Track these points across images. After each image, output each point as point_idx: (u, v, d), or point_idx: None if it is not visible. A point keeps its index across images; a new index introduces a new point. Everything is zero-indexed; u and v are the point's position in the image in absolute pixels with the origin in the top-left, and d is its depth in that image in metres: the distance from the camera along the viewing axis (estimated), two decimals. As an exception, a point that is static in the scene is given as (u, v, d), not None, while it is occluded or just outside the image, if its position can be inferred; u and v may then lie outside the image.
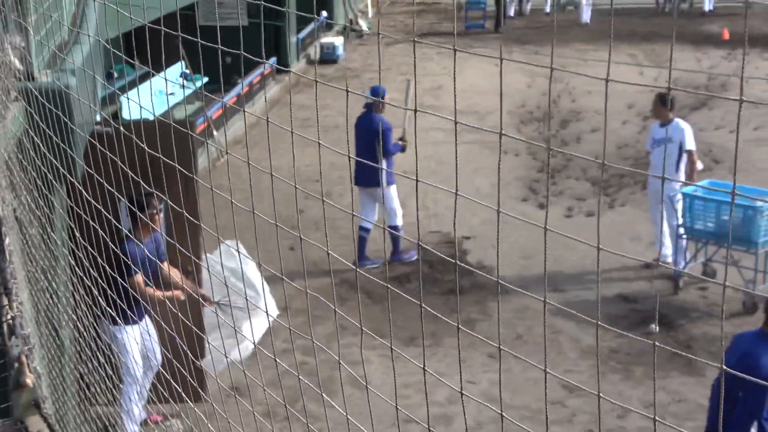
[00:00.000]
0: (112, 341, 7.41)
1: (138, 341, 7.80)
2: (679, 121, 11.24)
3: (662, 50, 23.35)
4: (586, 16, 28.04)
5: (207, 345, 7.40)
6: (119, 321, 7.33)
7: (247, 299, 6.50)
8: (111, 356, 6.94)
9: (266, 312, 6.88)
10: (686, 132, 11.06)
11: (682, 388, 8.81)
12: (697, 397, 8.56)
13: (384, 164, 11.20)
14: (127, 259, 6.25)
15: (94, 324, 6.57)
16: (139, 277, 7.46)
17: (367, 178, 11.30)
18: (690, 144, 11.02)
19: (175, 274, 8.02)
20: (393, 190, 11.54)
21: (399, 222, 11.53)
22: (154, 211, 7.48)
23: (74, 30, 7.06)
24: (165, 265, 7.98)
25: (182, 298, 7.67)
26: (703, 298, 10.59)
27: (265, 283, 8.37)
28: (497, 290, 10.92)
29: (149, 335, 7.73)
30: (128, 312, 7.20)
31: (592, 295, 10.52)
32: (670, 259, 11.22)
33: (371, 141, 11.11)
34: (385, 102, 11.66)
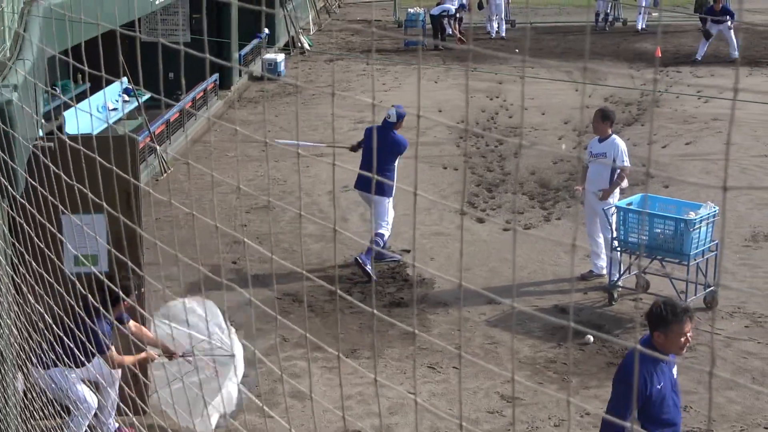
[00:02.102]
0: (60, 383, 7.27)
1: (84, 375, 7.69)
2: (615, 138, 11.51)
3: (598, 67, 23.73)
4: (495, 30, 28.85)
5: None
6: (72, 365, 7.06)
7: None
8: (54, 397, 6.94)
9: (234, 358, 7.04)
10: (621, 148, 11.34)
11: (617, 397, 9.00)
12: (630, 406, 8.75)
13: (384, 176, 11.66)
14: (103, 336, 6.37)
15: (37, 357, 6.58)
16: (113, 351, 7.41)
17: (364, 183, 11.82)
18: (624, 161, 11.29)
19: (145, 334, 7.94)
20: (385, 201, 11.81)
21: (384, 232, 11.83)
22: (135, 295, 7.39)
23: (16, 45, 7.10)
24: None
25: (154, 357, 7.72)
26: (637, 309, 10.82)
27: (233, 333, 8.20)
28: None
29: (101, 366, 7.63)
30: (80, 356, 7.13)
31: (527, 307, 10.69)
32: (605, 271, 11.46)
33: (381, 153, 11.62)
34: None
